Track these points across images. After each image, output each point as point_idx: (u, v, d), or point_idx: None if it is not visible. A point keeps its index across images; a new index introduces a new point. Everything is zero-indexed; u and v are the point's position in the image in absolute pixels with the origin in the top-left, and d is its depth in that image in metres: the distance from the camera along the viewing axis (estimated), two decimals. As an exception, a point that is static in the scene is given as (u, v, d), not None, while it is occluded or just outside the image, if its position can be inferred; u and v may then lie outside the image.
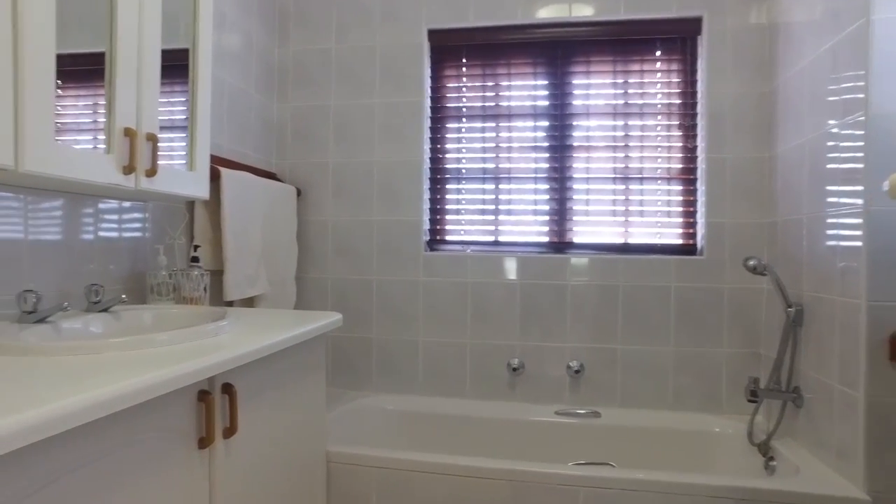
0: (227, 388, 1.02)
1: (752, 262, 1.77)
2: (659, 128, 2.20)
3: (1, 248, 1.18)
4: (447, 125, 2.35)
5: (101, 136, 1.19)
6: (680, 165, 2.19)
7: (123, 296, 1.28)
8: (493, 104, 2.31)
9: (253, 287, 1.93)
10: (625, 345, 2.17)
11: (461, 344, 2.28)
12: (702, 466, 1.99)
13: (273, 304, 2.11)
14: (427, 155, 2.33)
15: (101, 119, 1.19)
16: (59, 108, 1.07)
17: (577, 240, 2.25)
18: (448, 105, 2.35)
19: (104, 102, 1.19)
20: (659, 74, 2.20)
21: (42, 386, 0.71)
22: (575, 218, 2.25)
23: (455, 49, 2.33)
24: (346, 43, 2.36)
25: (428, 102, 2.33)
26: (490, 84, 2.31)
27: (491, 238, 2.32)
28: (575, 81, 2.25)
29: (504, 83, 2.30)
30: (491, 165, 2.31)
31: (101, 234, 1.46)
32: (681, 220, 2.19)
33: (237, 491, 1.08)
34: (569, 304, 2.20)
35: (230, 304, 1.91)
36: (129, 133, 1.23)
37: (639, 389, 2.17)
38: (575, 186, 2.25)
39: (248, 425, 1.11)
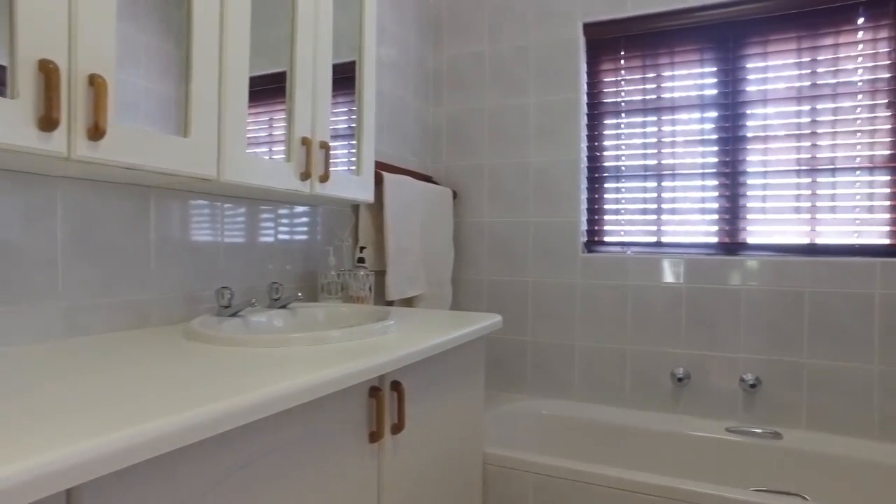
0: (396, 386, 1.05)
1: None
2: (859, 109, 1.90)
3: (204, 249, 1.34)
4: (605, 121, 2.25)
5: (276, 148, 1.29)
6: (888, 152, 1.88)
7: (299, 294, 1.39)
8: (654, 97, 2.16)
9: (413, 287, 2.00)
10: (812, 359, 1.91)
11: (620, 350, 2.17)
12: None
13: (431, 304, 2.17)
14: (584, 153, 2.25)
15: (276, 132, 1.30)
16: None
17: (751, 240, 2.03)
18: (605, 100, 2.24)
19: (281, 116, 1.30)
20: (860, 46, 1.90)
21: (247, 374, 0.78)
22: (749, 216, 2.03)
23: (612, 41, 2.23)
24: (499, 44, 2.36)
25: (584, 99, 2.25)
26: (651, 75, 2.17)
27: (653, 239, 2.17)
28: (749, 65, 2.03)
29: (666, 73, 2.15)
30: (652, 162, 2.17)
31: (280, 236, 1.60)
32: (888, 216, 1.88)
33: (402, 484, 1.11)
34: (742, 311, 1.99)
35: (391, 303, 1.99)
36: (305, 142, 1.33)
37: (832, 411, 1.89)
38: (749, 182, 2.03)
39: (413, 423, 1.14)
